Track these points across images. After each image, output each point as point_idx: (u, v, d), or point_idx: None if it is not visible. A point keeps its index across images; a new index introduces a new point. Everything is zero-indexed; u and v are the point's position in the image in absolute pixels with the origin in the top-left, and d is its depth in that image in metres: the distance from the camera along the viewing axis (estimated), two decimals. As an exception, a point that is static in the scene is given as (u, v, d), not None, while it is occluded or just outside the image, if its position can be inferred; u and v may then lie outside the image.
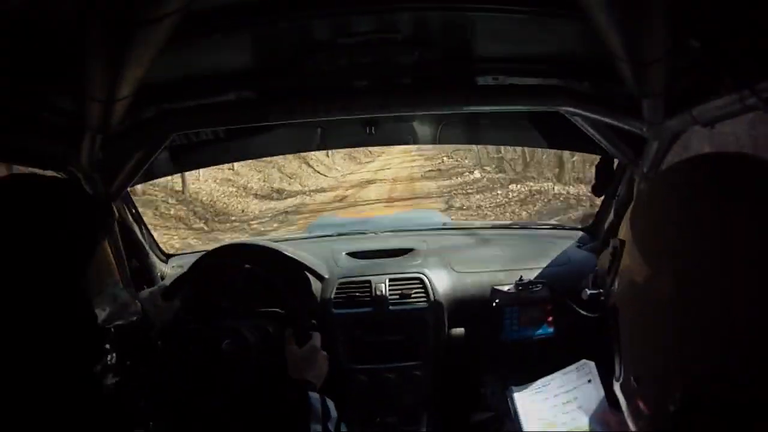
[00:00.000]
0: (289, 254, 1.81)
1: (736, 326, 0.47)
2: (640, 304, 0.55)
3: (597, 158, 1.67)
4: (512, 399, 1.32)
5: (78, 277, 0.72)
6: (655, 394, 0.53)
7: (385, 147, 16.07)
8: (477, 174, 14.63)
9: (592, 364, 1.30)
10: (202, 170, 11.15)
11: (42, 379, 0.69)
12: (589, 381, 1.28)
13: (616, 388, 0.61)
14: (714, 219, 0.50)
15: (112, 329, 0.78)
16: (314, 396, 1.03)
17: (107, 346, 0.77)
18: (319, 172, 18.39)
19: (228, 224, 9.94)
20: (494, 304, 1.78)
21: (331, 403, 1.05)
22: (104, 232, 0.79)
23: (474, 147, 14.86)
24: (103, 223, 0.80)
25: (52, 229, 0.72)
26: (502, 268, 1.87)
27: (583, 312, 1.65)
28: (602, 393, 1.21)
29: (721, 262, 0.48)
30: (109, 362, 0.77)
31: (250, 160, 11.32)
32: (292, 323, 1.34)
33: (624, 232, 0.59)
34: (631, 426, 0.58)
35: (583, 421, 1.21)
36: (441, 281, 1.83)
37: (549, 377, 1.33)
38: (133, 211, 1.78)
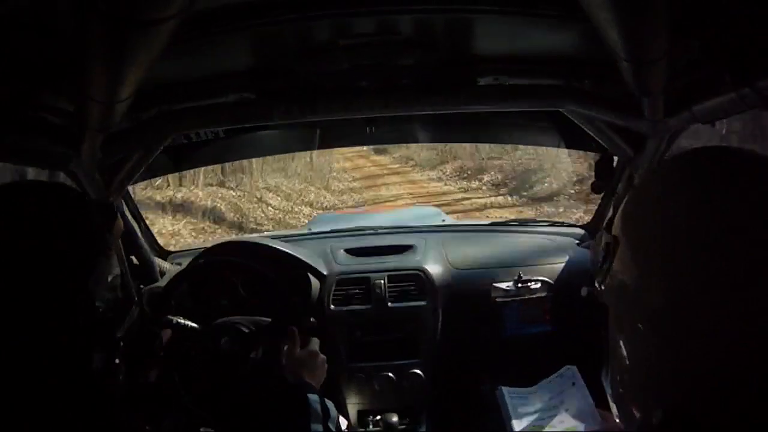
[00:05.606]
0: (287, 251, 1.81)
1: (725, 339, 0.46)
2: (628, 306, 0.54)
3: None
4: (502, 398, 1.33)
5: (82, 281, 0.72)
6: (642, 401, 0.53)
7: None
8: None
9: (574, 368, 1.31)
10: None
11: (44, 382, 0.69)
12: (573, 384, 1.29)
13: (605, 385, 0.61)
14: (702, 215, 0.48)
15: (118, 336, 0.78)
16: (313, 397, 1.04)
17: (112, 351, 0.77)
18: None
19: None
20: (494, 302, 1.79)
21: (330, 404, 1.06)
22: (108, 234, 0.79)
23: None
24: (106, 225, 0.80)
25: (55, 235, 0.71)
26: (501, 265, 1.87)
27: (581, 309, 1.66)
28: (587, 393, 1.23)
29: (710, 264, 0.47)
30: (112, 366, 0.77)
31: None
32: (290, 320, 1.35)
33: (617, 229, 0.58)
34: (620, 423, 0.58)
35: (570, 423, 1.22)
36: (440, 278, 1.83)
37: (534, 387, 1.34)
38: (132, 208, 1.78)
